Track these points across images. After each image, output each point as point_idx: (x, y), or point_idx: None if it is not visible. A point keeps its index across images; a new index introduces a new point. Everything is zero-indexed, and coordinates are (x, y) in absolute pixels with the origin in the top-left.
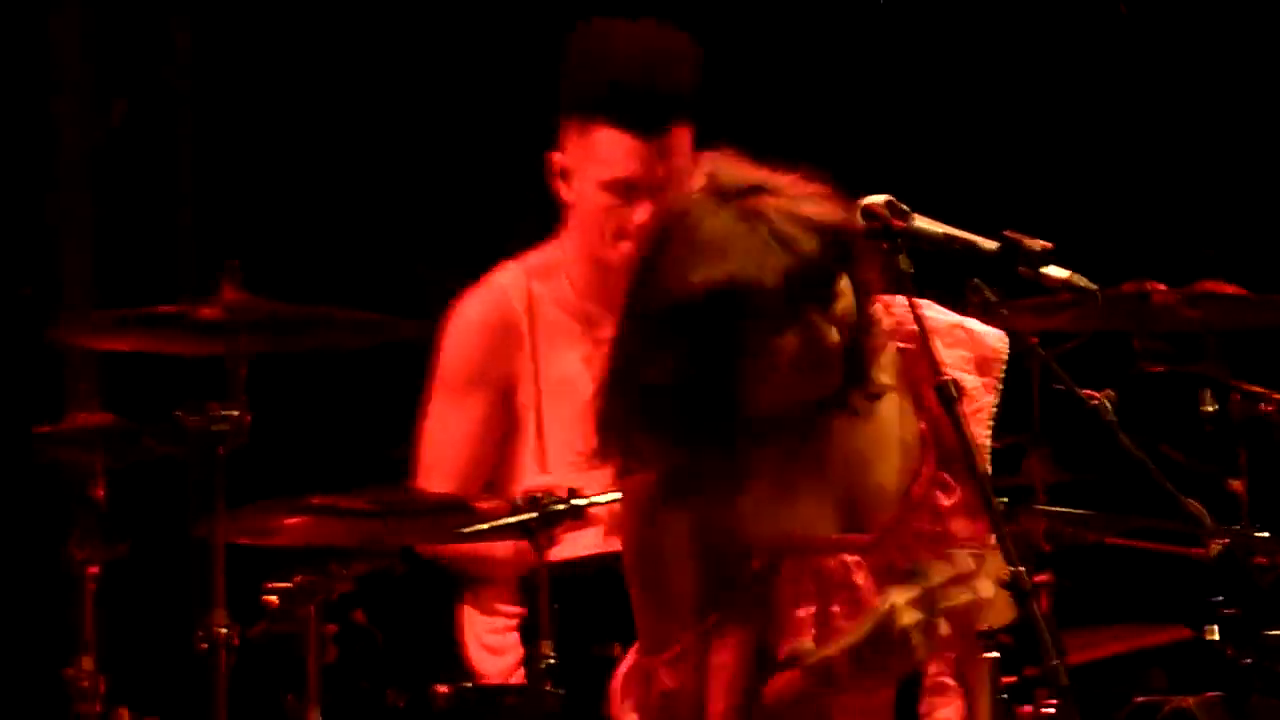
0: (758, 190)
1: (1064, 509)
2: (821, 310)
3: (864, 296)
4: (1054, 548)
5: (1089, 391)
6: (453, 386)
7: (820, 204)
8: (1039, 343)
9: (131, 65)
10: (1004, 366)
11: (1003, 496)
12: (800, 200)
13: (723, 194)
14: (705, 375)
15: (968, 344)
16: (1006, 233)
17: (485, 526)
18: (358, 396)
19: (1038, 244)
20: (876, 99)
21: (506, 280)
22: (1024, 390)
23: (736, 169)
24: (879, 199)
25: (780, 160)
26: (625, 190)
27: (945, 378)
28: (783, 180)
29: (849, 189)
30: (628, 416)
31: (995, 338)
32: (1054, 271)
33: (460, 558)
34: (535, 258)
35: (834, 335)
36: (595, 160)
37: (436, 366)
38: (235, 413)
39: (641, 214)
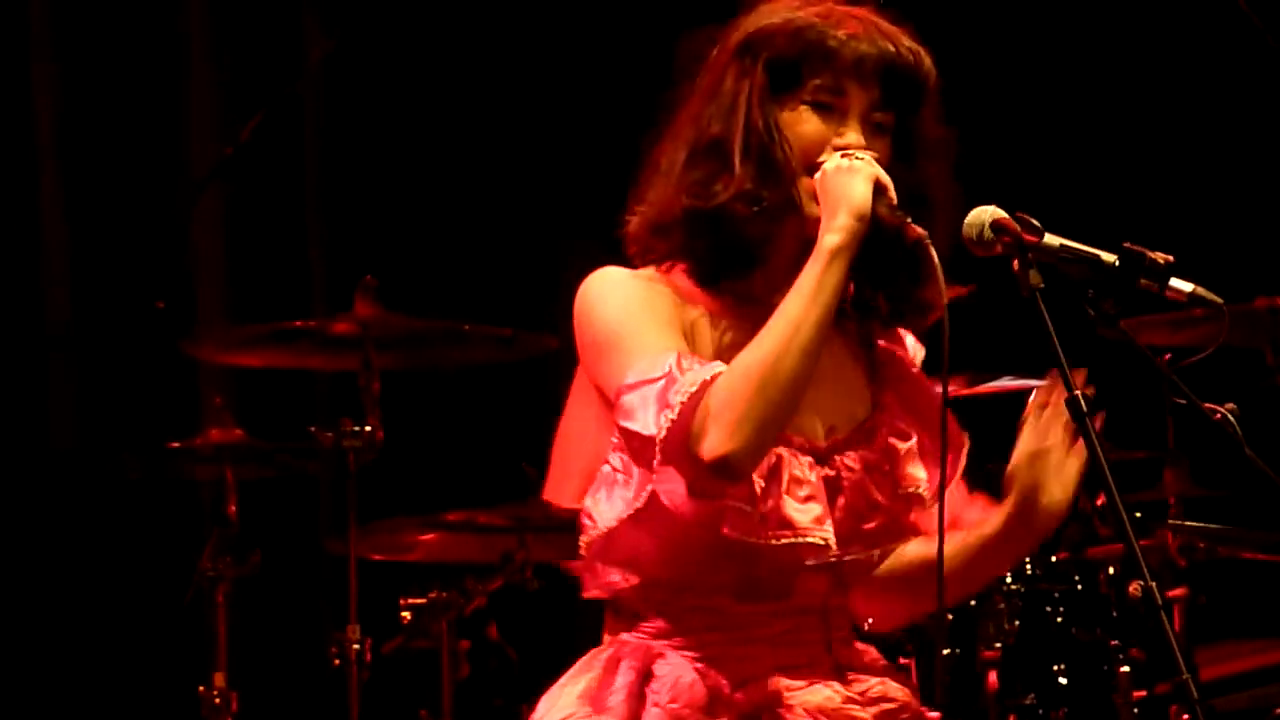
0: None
1: (1198, 523)
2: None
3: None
4: (1188, 562)
5: (1212, 405)
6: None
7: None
8: (1169, 358)
9: (263, 80)
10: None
11: (1137, 511)
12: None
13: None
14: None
15: None
16: (1127, 245)
17: None
18: (491, 411)
19: (1159, 257)
20: (998, 109)
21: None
22: (1158, 405)
23: None
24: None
25: None
26: None
27: (1076, 392)
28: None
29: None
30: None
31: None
32: (1179, 285)
33: None
34: None
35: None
36: None
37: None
38: (368, 429)
39: None
